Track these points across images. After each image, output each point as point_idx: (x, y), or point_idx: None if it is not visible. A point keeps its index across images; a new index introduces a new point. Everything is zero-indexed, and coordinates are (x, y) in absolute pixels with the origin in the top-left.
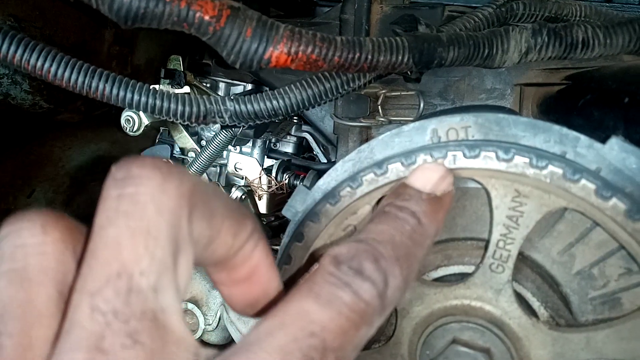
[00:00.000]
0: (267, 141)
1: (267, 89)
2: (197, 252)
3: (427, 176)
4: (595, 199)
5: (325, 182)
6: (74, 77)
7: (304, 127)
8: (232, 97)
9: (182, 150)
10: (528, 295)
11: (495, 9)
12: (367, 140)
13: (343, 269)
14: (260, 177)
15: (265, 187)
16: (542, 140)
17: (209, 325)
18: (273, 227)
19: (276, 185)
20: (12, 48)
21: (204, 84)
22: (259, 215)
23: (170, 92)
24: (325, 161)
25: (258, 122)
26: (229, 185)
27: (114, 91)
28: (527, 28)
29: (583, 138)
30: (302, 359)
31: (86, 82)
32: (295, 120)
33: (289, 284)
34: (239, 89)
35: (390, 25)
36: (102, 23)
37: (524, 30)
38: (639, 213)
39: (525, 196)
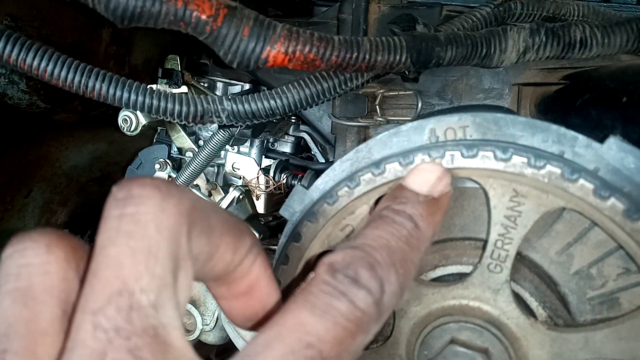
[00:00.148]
0: (265, 141)
1: (265, 88)
2: (196, 268)
3: (424, 177)
4: (594, 198)
5: (323, 182)
6: (70, 76)
7: (302, 127)
8: (229, 97)
9: (180, 150)
10: (526, 295)
11: (493, 9)
12: (364, 140)
13: (339, 278)
14: (258, 177)
15: (263, 187)
16: (540, 140)
17: (207, 325)
18: (271, 227)
19: (274, 185)
20: (9, 47)
21: (202, 84)
22: (256, 215)
23: (168, 91)
24: (323, 161)
25: (256, 121)
26: (227, 185)
27: (111, 91)
28: (525, 28)
29: (581, 138)
30: None
31: (83, 81)
32: (293, 120)
33: (286, 293)
34: (236, 88)
35: (388, 24)
36: (99, 23)
37: (521, 29)
38: (637, 213)
39: (523, 196)
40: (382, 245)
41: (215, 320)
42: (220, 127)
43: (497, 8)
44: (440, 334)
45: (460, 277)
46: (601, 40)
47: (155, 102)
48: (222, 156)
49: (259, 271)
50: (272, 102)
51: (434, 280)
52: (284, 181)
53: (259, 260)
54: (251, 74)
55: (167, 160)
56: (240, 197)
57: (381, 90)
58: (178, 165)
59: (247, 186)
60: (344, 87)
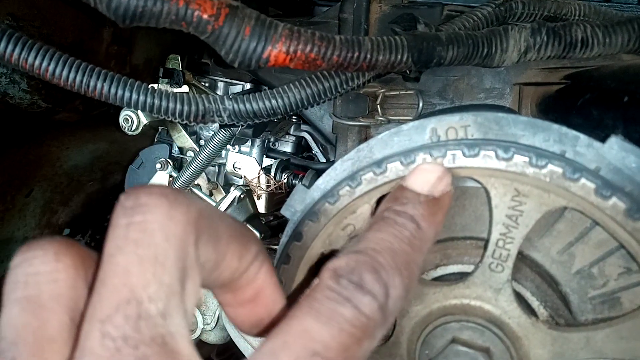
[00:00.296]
0: (266, 140)
1: (266, 88)
2: (203, 276)
3: (424, 177)
4: (595, 198)
5: (324, 182)
6: (72, 76)
7: (303, 127)
8: (230, 96)
9: (181, 149)
10: (527, 295)
11: (494, 8)
12: (366, 139)
13: (343, 283)
14: (259, 177)
15: (264, 186)
16: (541, 140)
17: (208, 325)
18: (272, 226)
19: (275, 184)
20: (10, 47)
21: (203, 83)
22: (257, 214)
23: (169, 91)
24: (324, 160)
25: (257, 121)
26: (228, 185)
27: (113, 90)
28: (526, 27)
29: (582, 137)
30: None
31: (84, 81)
32: (294, 120)
33: (291, 299)
34: (237, 88)
35: (389, 24)
36: (101, 22)
37: (523, 29)
38: (639, 212)
39: (524, 195)
40: (385, 248)
41: (216, 319)
42: (221, 126)
43: (498, 8)
44: (442, 334)
45: (462, 276)
46: (602, 39)
47: (156, 101)
48: (223, 156)
49: (265, 278)
50: (273, 101)
51: (436, 279)
52: (285, 181)
53: (264, 268)
54: (252, 73)
55: (168, 160)
56: (242, 196)
57: (382, 90)
58: (179, 164)
59: (248, 186)
60: (345, 86)
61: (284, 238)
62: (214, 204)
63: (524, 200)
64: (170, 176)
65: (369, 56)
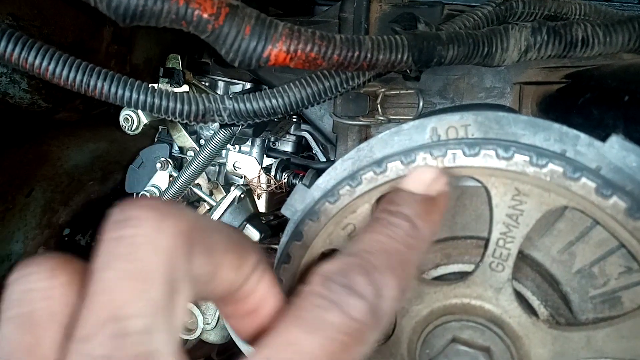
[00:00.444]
0: (266, 140)
1: (266, 87)
2: (198, 289)
3: (420, 178)
4: (596, 197)
5: (325, 181)
6: (72, 75)
7: (303, 126)
8: (231, 96)
9: (181, 149)
10: (528, 294)
11: (495, 7)
12: (366, 139)
13: (332, 287)
14: (259, 176)
15: (264, 186)
16: (542, 139)
17: (208, 324)
18: (272, 226)
19: (275, 184)
20: (10, 46)
21: (203, 83)
22: (257, 214)
23: (169, 90)
24: (325, 160)
25: (257, 120)
26: (228, 184)
27: (113, 90)
28: (526, 26)
29: (583, 136)
30: None
31: (85, 80)
32: (294, 119)
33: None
34: (237, 87)
35: (390, 23)
36: (101, 21)
37: (523, 28)
38: (639, 211)
39: (525, 194)
40: (378, 248)
41: (216, 319)
42: (221, 126)
43: (498, 7)
44: (442, 333)
45: (462, 275)
46: (603, 39)
47: (157, 101)
48: (223, 155)
49: (266, 289)
50: (273, 101)
51: (436, 279)
52: (285, 180)
53: (265, 278)
54: (252, 72)
55: (169, 160)
56: (242, 196)
57: (382, 89)
58: (179, 164)
59: (248, 185)
60: (345, 86)
61: (284, 237)
62: (214, 203)
63: (525, 200)
64: (171, 176)
65: (369, 55)
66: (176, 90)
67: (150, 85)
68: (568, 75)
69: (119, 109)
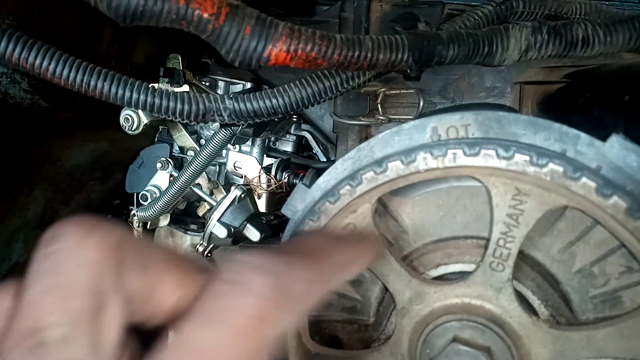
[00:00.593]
0: (267, 140)
1: (266, 87)
2: (136, 306)
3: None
4: (596, 197)
5: (325, 181)
6: (72, 75)
7: (304, 126)
8: (231, 96)
9: (181, 149)
10: (528, 294)
11: (495, 7)
12: (366, 138)
13: (225, 276)
14: (259, 176)
15: (264, 185)
16: (542, 138)
17: None
18: (272, 225)
19: (275, 184)
20: (11, 46)
21: (203, 83)
22: (258, 214)
23: (170, 90)
24: (325, 160)
25: (257, 120)
26: (229, 184)
27: (113, 89)
28: (527, 26)
29: (583, 136)
30: None
31: (85, 80)
32: (294, 119)
33: None
34: (238, 87)
35: (390, 23)
36: (101, 22)
37: (523, 28)
38: (639, 211)
39: (525, 194)
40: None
41: None
42: (221, 125)
43: (499, 6)
44: (443, 333)
45: (463, 275)
46: (603, 38)
47: (157, 100)
48: (223, 155)
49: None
50: (273, 100)
51: (436, 278)
52: (286, 180)
53: None
54: (253, 72)
55: (169, 159)
56: (242, 196)
57: (383, 89)
58: (180, 164)
59: (248, 185)
60: (345, 85)
61: (284, 237)
62: (214, 203)
63: (525, 199)
64: (171, 175)
65: (369, 55)
66: (176, 90)
67: (150, 85)
68: (568, 74)
69: (119, 108)
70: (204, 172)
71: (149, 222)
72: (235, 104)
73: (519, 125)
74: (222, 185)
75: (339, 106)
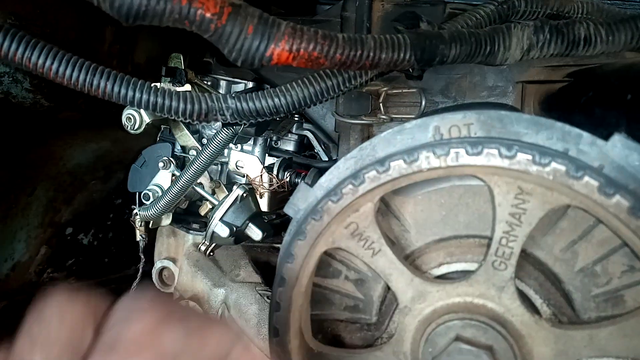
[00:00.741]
0: (269, 139)
1: (269, 86)
2: None
3: None
4: (599, 196)
5: (327, 180)
6: (75, 74)
7: (305, 125)
8: (233, 95)
9: (183, 148)
10: (530, 293)
11: (497, 6)
12: (368, 138)
13: None
14: (261, 175)
15: (266, 185)
16: (544, 138)
17: None
18: (275, 225)
19: (277, 183)
20: (14, 46)
21: (205, 82)
22: (260, 213)
23: (172, 90)
24: (327, 159)
25: (259, 119)
26: (230, 183)
27: (116, 89)
28: (529, 25)
29: (586, 135)
30: None
31: (87, 79)
32: (296, 118)
33: None
34: (240, 86)
35: (392, 22)
36: (103, 21)
37: (525, 27)
38: None
39: (528, 193)
40: None
41: (219, 318)
42: (223, 125)
43: (501, 5)
44: (445, 332)
45: (465, 274)
46: (605, 37)
47: (160, 100)
48: (225, 154)
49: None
50: (276, 100)
51: (439, 277)
52: (288, 179)
53: None
54: (255, 72)
55: (171, 159)
56: (244, 195)
57: (385, 88)
58: (182, 163)
59: (250, 184)
60: (347, 85)
61: (287, 237)
62: (216, 202)
63: (527, 199)
64: (173, 175)
65: (371, 54)
66: (178, 89)
67: (152, 85)
68: (570, 73)
69: (121, 108)
70: (206, 172)
71: (151, 222)
72: (238, 104)
73: (521, 125)
74: (224, 185)
75: (341, 105)
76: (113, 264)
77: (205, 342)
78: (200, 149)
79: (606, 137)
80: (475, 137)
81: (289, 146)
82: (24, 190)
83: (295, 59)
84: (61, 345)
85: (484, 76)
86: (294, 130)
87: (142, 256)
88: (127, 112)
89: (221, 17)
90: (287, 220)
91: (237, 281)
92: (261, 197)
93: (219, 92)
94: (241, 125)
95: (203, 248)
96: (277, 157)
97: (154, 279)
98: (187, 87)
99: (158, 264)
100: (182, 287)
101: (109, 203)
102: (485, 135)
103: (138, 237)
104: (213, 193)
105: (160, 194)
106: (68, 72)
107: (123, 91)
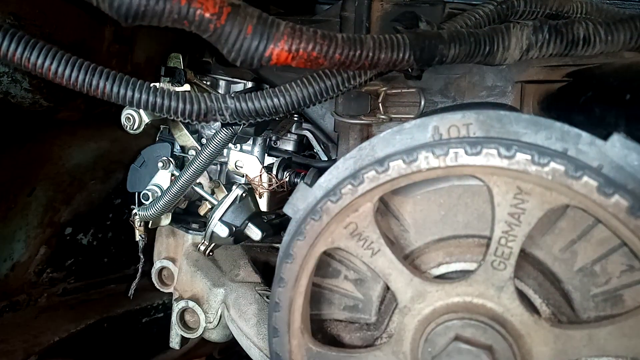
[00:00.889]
0: (268, 139)
1: (268, 86)
2: None
3: None
4: (598, 195)
5: (327, 180)
6: (74, 74)
7: (305, 125)
8: (232, 95)
9: (183, 148)
10: (530, 292)
11: (496, 6)
12: (367, 137)
13: None
14: (260, 175)
15: (265, 185)
16: (543, 137)
17: (210, 323)
18: (274, 225)
19: (277, 183)
20: (13, 46)
21: (205, 82)
22: (259, 213)
23: (171, 90)
24: (326, 159)
25: (259, 119)
26: (230, 183)
27: (115, 89)
28: (528, 25)
29: (585, 135)
30: None
31: (87, 79)
32: (295, 118)
33: None
34: (239, 86)
35: (391, 22)
36: (102, 21)
37: (525, 27)
38: None
39: (527, 193)
40: None
41: (218, 318)
42: (223, 125)
43: (500, 5)
44: (444, 331)
45: (464, 274)
46: (604, 37)
47: (159, 100)
48: (225, 154)
49: None
50: (275, 100)
51: (438, 277)
52: (287, 179)
53: None
54: (254, 72)
55: (170, 159)
56: (243, 195)
57: (384, 88)
58: (181, 163)
59: (250, 184)
60: (346, 84)
61: (286, 237)
62: (216, 202)
63: (526, 198)
64: (172, 175)
65: (371, 54)
66: (178, 89)
67: (151, 85)
68: (569, 73)
69: (120, 108)
70: (205, 172)
71: (151, 222)
72: (237, 104)
73: (521, 124)
74: (223, 185)
75: (340, 105)
76: (112, 263)
77: None
78: (200, 148)
79: (605, 137)
80: (474, 137)
81: (288, 146)
82: (23, 190)
83: (295, 59)
84: None
85: (483, 76)
86: (293, 130)
87: (142, 256)
88: (127, 112)
89: (220, 17)
90: (286, 220)
91: (236, 281)
92: (260, 197)
93: (218, 92)
94: (240, 125)
95: (202, 248)
96: (277, 157)
97: (153, 279)
98: (187, 87)
99: (157, 264)
100: (182, 286)
101: (109, 203)
102: (484, 135)
103: (137, 237)
104: (212, 193)
105: (159, 193)
106: (67, 72)
107: (122, 91)
